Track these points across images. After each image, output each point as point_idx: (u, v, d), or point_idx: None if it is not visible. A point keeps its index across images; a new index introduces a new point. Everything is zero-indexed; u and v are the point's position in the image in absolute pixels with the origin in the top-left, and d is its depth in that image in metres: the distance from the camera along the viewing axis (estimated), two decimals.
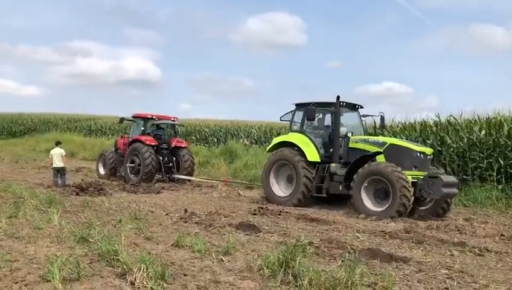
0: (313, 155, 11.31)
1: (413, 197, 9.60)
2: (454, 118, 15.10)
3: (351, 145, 11.14)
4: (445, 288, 4.65)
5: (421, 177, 10.05)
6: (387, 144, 10.56)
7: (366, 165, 10.16)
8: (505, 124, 13.53)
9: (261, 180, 12.60)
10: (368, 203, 10.00)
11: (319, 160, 11.32)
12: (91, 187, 12.16)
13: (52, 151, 14.36)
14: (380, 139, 11.28)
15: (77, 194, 11.32)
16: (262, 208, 9.96)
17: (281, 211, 9.70)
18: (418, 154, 10.28)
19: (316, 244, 6.39)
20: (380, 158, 10.47)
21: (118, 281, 4.42)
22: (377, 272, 4.99)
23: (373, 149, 10.65)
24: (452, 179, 10.60)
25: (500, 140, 12.97)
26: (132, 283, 4.30)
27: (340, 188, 10.71)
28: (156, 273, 4.40)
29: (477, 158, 13.19)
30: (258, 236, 6.98)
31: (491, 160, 12.85)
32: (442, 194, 9.82)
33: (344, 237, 7.23)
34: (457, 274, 5.19)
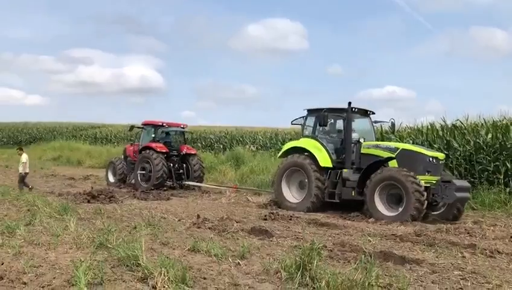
0: (325, 161, 11.36)
1: (426, 202, 9.64)
2: (460, 121, 15.20)
3: (363, 150, 11.17)
4: (460, 288, 4.76)
5: (434, 182, 10.08)
6: (399, 150, 10.61)
7: (379, 171, 10.22)
8: (511, 127, 13.60)
9: (272, 186, 12.65)
10: (382, 208, 10.08)
11: (331, 166, 11.38)
12: (102, 195, 12.32)
13: (25, 157, 14.40)
14: (392, 144, 11.32)
15: (88, 201, 11.47)
16: (273, 213, 10.07)
17: (291, 216, 9.83)
18: (431, 159, 10.34)
19: (329, 248, 6.52)
20: (392, 163, 10.53)
21: (140, 285, 4.55)
22: (391, 274, 5.10)
23: (385, 155, 10.70)
24: (465, 183, 10.63)
25: (507, 143, 13.03)
26: (154, 287, 4.42)
27: (353, 194, 10.74)
28: (176, 276, 4.52)
29: (484, 161, 13.25)
30: (271, 241, 7.10)
31: (497, 163, 12.90)
32: (456, 199, 9.87)
33: (356, 240, 7.33)
34: (470, 275, 5.30)
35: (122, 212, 9.74)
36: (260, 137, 29.82)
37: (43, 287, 4.39)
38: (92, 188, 14.15)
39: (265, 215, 9.80)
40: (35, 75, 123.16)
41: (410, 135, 16.38)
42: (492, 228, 9.06)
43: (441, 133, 15.34)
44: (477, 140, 13.80)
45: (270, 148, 25.77)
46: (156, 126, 17.11)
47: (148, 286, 4.48)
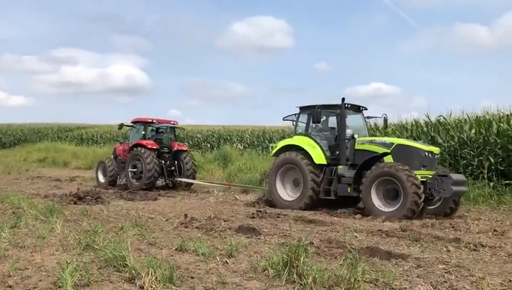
0: (319, 158, 11.29)
1: (423, 196, 9.60)
2: (444, 117, 15.41)
3: (357, 146, 11.14)
4: (444, 282, 4.82)
5: (430, 176, 10.06)
6: (394, 145, 10.55)
7: (374, 167, 10.17)
8: (494, 122, 13.84)
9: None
10: (378, 204, 10.03)
11: (326, 162, 11.32)
12: (88, 196, 12.19)
13: None
14: (387, 139, 11.20)
15: (75, 203, 11.35)
16: (260, 211, 10.08)
17: (279, 214, 9.86)
18: (427, 154, 10.31)
19: (316, 245, 6.56)
20: (388, 159, 10.48)
21: (127, 285, 4.53)
22: (377, 269, 5.15)
23: (380, 150, 10.65)
24: (461, 177, 10.61)
25: (490, 138, 13.25)
26: (141, 287, 4.40)
27: (349, 190, 10.70)
28: (164, 276, 4.52)
29: (468, 156, 13.45)
30: (259, 238, 7.12)
31: (481, 158, 13.10)
32: (453, 192, 9.81)
33: (343, 236, 7.39)
34: (454, 269, 5.38)
35: (109, 213, 9.69)
36: (247, 135, 29.84)
37: (29, 289, 4.36)
38: (78, 189, 14.01)
39: (253, 214, 9.81)
40: (18, 76, 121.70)
41: (395, 131, 16.56)
42: (476, 222, 9.23)
43: (425, 129, 15.55)
44: (461, 135, 14.03)
45: (258, 146, 25.85)
46: (146, 123, 16.85)
47: (136, 286, 4.46)
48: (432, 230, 8.19)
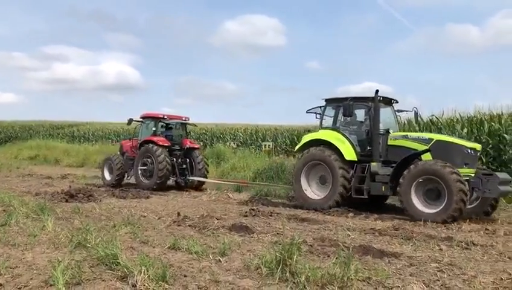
0: (349, 154, 10.58)
1: (468, 200, 8.99)
2: (436, 117, 15.51)
3: (390, 142, 10.47)
4: (436, 280, 4.85)
5: (472, 175, 9.41)
6: (434, 141, 9.88)
7: (415, 164, 9.44)
8: (485, 122, 13.95)
9: (293, 182, 11.50)
10: (419, 204, 9.30)
11: (356, 159, 10.60)
12: (80, 194, 12.11)
13: None
14: (425, 135, 10.52)
15: (67, 201, 11.26)
16: (253, 209, 10.07)
17: (272, 212, 9.86)
18: (469, 151, 9.65)
19: (309, 243, 6.57)
20: (426, 156, 9.79)
21: (119, 283, 4.51)
22: (370, 268, 5.17)
23: (417, 146, 9.99)
24: (506, 176, 9.85)
25: (482, 138, 13.36)
26: (134, 285, 4.38)
27: (383, 189, 10.01)
28: (156, 275, 4.51)
29: None
30: (252, 237, 7.12)
31: None
32: (499, 192, 9.18)
33: (335, 235, 7.41)
34: (446, 267, 5.41)
35: (101, 211, 9.63)
36: (240, 134, 29.89)
37: (19, 288, 4.32)
38: (70, 187, 13.91)
39: (246, 212, 9.80)
40: (8, 73, 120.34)
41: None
42: (468, 220, 9.26)
43: (417, 128, 15.62)
44: (453, 135, 14.09)
45: (251, 145, 25.88)
46: (156, 119, 16.18)
47: (128, 284, 4.43)
48: (424, 229, 8.24)
